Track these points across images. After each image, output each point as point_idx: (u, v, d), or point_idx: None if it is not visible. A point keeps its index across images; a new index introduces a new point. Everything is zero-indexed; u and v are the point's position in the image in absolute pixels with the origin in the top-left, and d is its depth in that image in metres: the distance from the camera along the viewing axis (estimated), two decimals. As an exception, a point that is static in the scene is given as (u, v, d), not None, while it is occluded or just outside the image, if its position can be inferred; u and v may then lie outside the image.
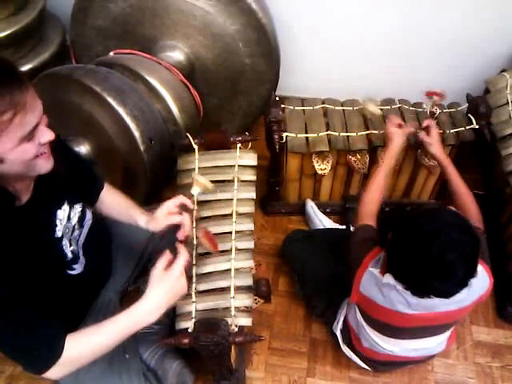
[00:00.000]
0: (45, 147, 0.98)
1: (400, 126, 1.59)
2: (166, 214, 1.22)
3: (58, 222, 1.13)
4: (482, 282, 1.26)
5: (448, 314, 1.27)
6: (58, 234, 1.13)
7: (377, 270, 1.25)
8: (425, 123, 1.64)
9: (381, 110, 1.77)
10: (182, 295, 1.10)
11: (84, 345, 1.03)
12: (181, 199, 1.24)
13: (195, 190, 1.26)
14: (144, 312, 1.05)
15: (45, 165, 1.00)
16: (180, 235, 1.18)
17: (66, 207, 1.16)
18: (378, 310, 1.30)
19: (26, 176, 1.02)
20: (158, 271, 1.07)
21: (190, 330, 1.22)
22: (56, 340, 1.00)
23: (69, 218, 1.17)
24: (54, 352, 1.00)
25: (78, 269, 1.21)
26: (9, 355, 1.02)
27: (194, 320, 1.24)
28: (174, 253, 1.10)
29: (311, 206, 2.00)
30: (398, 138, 1.56)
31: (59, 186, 1.14)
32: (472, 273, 1.12)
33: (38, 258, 1.05)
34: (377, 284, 1.25)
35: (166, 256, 1.10)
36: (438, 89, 1.67)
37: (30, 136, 0.92)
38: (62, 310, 1.10)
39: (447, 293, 1.14)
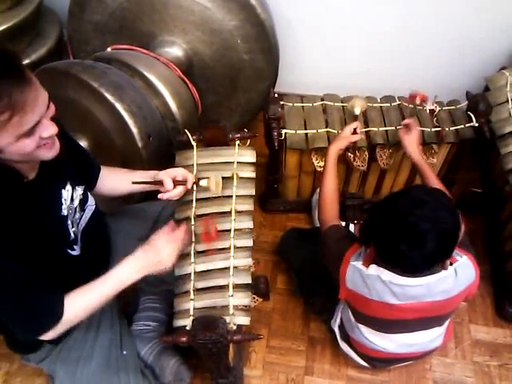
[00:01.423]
0: (45, 141, 0.97)
1: (355, 131, 1.60)
2: (169, 175, 1.27)
3: (63, 200, 1.15)
4: (467, 271, 1.27)
5: (435, 304, 1.27)
6: (64, 212, 1.15)
7: (359, 262, 1.27)
8: (405, 121, 1.63)
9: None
10: (164, 267, 1.18)
11: (79, 305, 1.11)
12: (188, 176, 1.29)
13: (203, 182, 1.32)
14: (129, 270, 1.15)
15: (47, 153, 1.00)
16: (160, 195, 1.26)
17: (69, 187, 1.17)
18: (367, 304, 1.30)
19: (29, 162, 1.02)
20: (155, 236, 1.18)
21: (187, 328, 1.21)
22: (58, 303, 1.08)
23: (72, 200, 1.18)
24: (57, 314, 1.08)
25: (76, 250, 1.22)
26: (12, 320, 1.09)
27: (191, 318, 1.23)
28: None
29: None
30: (343, 141, 1.57)
31: (62, 167, 1.15)
32: (442, 255, 1.13)
33: (44, 233, 1.07)
34: (361, 277, 1.27)
35: (170, 225, 1.21)
36: (422, 91, 1.70)
37: (29, 133, 0.91)
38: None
39: (412, 264, 1.14)
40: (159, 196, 1.28)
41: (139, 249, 1.17)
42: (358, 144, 1.71)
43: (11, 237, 0.98)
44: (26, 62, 2.01)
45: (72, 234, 1.19)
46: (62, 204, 1.14)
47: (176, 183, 1.27)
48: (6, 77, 0.85)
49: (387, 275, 1.22)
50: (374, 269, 1.24)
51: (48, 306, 1.07)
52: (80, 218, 1.24)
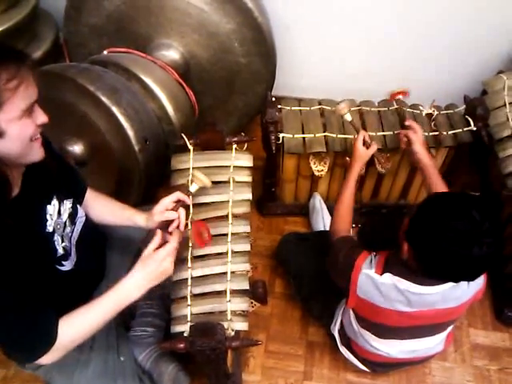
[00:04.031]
0: (38, 132, 1.01)
1: (366, 144, 1.57)
2: (163, 210, 1.24)
3: (48, 216, 1.12)
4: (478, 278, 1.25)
5: (446, 311, 1.27)
6: (49, 228, 1.12)
7: (372, 270, 1.25)
8: (408, 122, 1.61)
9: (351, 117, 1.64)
10: (166, 276, 1.14)
11: (76, 327, 1.07)
12: (178, 195, 1.25)
13: (193, 187, 1.27)
14: (128, 289, 1.10)
15: (38, 151, 1.02)
16: (171, 227, 1.21)
17: (55, 202, 1.15)
18: (377, 311, 1.29)
19: (20, 161, 1.02)
20: (147, 251, 1.13)
21: (185, 334, 1.20)
22: (50, 327, 1.03)
23: (59, 214, 1.16)
24: (49, 339, 1.03)
25: (67, 265, 1.19)
26: (3, 346, 1.05)
27: (189, 324, 1.22)
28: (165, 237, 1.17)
29: (319, 200, 1.99)
30: (364, 158, 1.57)
31: (47, 181, 1.14)
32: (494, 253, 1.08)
33: (28, 252, 1.05)
34: (374, 285, 1.25)
35: (158, 237, 1.15)
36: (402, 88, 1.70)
37: (30, 111, 0.96)
38: (53, 308, 1.09)
39: (482, 259, 1.06)
40: (173, 230, 1.21)
41: (137, 265, 1.12)
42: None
43: None
44: (21, 65, 2.00)
45: (60, 250, 1.16)
46: (46, 220, 1.12)
47: (174, 209, 1.23)
48: (14, 55, 0.95)
49: (404, 284, 1.21)
50: (388, 277, 1.23)
51: (38, 331, 1.03)
52: (72, 232, 1.22)
